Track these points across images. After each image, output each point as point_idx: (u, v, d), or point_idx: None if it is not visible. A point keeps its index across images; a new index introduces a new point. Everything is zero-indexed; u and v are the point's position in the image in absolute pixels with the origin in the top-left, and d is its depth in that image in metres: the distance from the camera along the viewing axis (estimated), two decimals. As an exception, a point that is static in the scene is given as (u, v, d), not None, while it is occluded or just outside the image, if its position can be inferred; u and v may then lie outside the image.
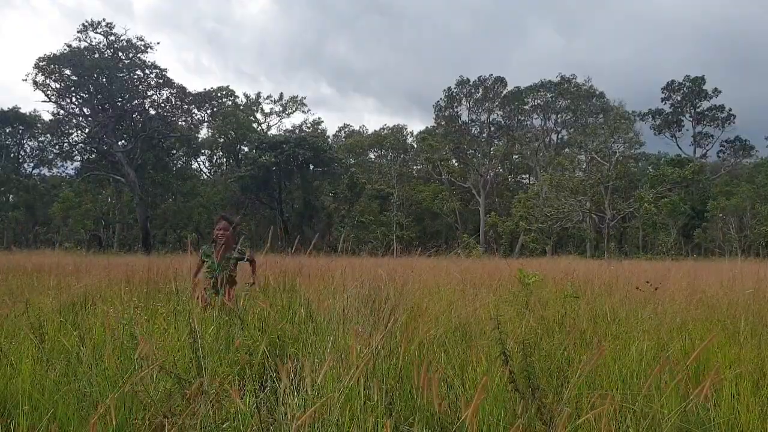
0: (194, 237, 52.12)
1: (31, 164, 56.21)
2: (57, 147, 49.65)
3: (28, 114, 53.00)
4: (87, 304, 6.09)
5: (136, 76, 46.97)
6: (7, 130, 53.32)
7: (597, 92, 54.59)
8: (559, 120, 56.75)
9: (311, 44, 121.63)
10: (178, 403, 2.93)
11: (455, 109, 57.40)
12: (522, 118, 56.95)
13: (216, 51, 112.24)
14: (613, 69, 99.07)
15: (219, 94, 55.86)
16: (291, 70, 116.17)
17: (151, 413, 3.00)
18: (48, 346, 4.15)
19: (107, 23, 45.57)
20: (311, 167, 51.03)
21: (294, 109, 62.51)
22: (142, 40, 46.36)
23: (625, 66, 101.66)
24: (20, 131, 53.71)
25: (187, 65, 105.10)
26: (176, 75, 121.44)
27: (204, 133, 56.07)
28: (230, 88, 59.10)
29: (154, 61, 48.16)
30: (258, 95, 62.09)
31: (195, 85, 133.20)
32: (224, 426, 2.88)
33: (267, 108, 62.17)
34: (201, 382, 2.87)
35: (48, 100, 45.07)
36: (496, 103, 56.32)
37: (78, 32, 45.33)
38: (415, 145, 62.49)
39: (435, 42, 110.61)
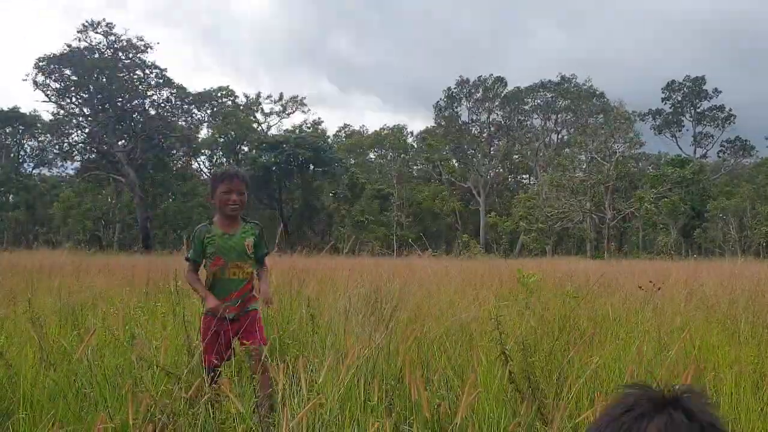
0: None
1: (31, 164, 56.23)
2: (57, 147, 49.65)
3: (28, 114, 53.02)
4: (87, 304, 6.09)
5: (136, 76, 46.99)
6: (7, 130, 53.32)
7: (597, 92, 54.63)
8: (559, 120, 56.79)
9: (311, 41, 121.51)
10: (178, 404, 2.93)
11: (455, 109, 57.44)
12: (522, 118, 56.99)
13: (214, 47, 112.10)
14: (614, 69, 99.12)
15: (219, 94, 55.86)
16: (291, 66, 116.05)
17: (152, 413, 3.00)
18: (49, 345, 4.15)
19: (107, 23, 45.61)
20: (311, 167, 51.00)
21: (294, 109, 62.44)
22: (142, 39, 46.43)
23: (626, 66, 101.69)
24: (20, 131, 53.71)
25: (185, 62, 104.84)
26: (174, 72, 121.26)
27: (204, 133, 56.10)
28: (230, 87, 59.18)
29: (154, 61, 48.27)
30: (258, 95, 62.04)
31: (193, 81, 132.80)
32: (224, 426, 2.88)
33: (267, 108, 62.11)
34: (201, 383, 2.87)
35: (48, 100, 45.11)
36: (496, 103, 56.36)
37: (78, 32, 45.37)
38: (415, 145, 62.50)
39: (436, 40, 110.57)
